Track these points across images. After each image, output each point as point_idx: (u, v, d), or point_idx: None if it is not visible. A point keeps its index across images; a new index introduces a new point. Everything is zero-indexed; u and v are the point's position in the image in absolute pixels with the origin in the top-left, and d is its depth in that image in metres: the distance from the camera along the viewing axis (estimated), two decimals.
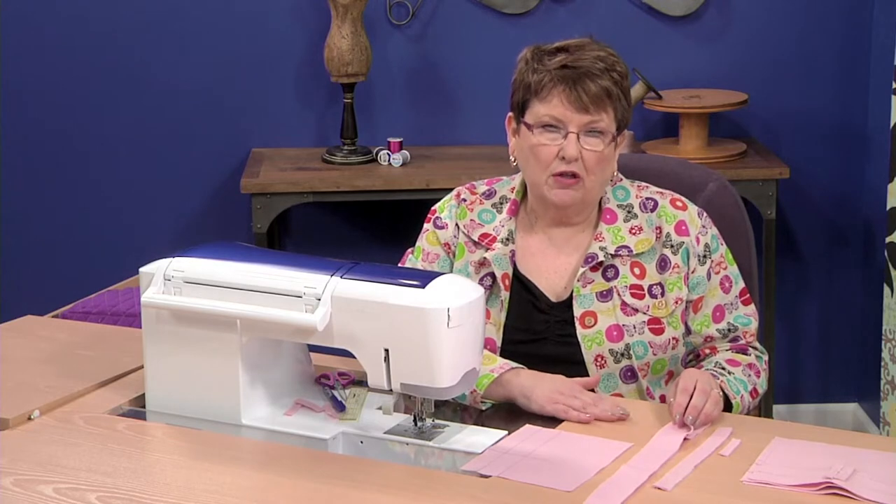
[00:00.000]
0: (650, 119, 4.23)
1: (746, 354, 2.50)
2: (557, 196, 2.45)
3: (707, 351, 2.51)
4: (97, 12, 4.19)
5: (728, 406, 2.37)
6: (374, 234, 4.32)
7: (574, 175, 2.43)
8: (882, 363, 3.84)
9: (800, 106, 4.23)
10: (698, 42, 4.20)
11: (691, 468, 2.09)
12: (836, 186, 4.28)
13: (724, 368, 2.45)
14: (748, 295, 2.54)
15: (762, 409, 3.68)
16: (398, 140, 4.08)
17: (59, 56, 4.22)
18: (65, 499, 2.02)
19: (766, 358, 2.53)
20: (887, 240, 3.77)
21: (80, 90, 4.24)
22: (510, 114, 2.51)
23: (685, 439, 2.18)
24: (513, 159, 2.53)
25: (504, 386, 2.36)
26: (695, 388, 2.26)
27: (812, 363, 4.42)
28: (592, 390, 2.41)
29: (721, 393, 2.34)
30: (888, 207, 3.76)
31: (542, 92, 2.43)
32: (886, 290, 3.79)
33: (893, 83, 3.75)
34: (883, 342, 3.83)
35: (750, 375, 2.46)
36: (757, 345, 2.54)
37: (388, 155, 4.07)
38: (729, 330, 2.51)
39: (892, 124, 3.76)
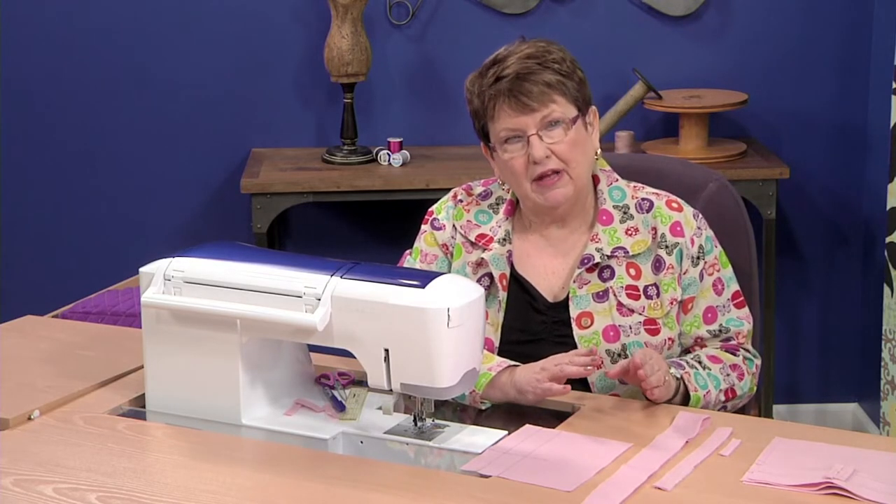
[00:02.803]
0: (650, 119, 4.23)
1: (735, 355, 2.50)
2: (548, 198, 2.46)
3: (696, 349, 2.51)
4: (97, 12, 4.19)
5: (687, 398, 2.39)
6: (374, 234, 4.32)
7: (555, 171, 2.43)
8: (882, 363, 3.84)
9: (800, 106, 4.23)
10: (698, 42, 4.20)
11: (691, 468, 2.09)
12: (836, 186, 4.28)
13: (700, 362, 2.45)
14: (742, 298, 2.54)
15: (762, 409, 3.68)
16: (398, 140, 4.08)
17: (58, 56, 4.22)
18: (65, 499, 2.02)
19: (757, 362, 2.52)
20: (887, 240, 3.77)
21: (80, 90, 4.24)
22: (482, 144, 2.52)
23: (686, 441, 2.18)
24: (501, 182, 2.55)
25: (500, 388, 2.36)
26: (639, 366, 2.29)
27: (812, 363, 4.42)
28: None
29: (678, 382, 2.36)
30: (888, 207, 3.76)
31: (489, 111, 2.45)
32: (886, 290, 3.79)
33: (893, 83, 3.75)
34: (883, 342, 3.83)
35: (729, 375, 2.45)
36: (749, 348, 2.53)
37: (388, 155, 4.07)
38: (720, 331, 2.50)
39: (892, 124, 3.76)
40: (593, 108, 2.50)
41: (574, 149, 2.44)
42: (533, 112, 2.42)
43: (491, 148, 2.49)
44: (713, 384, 2.42)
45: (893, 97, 3.75)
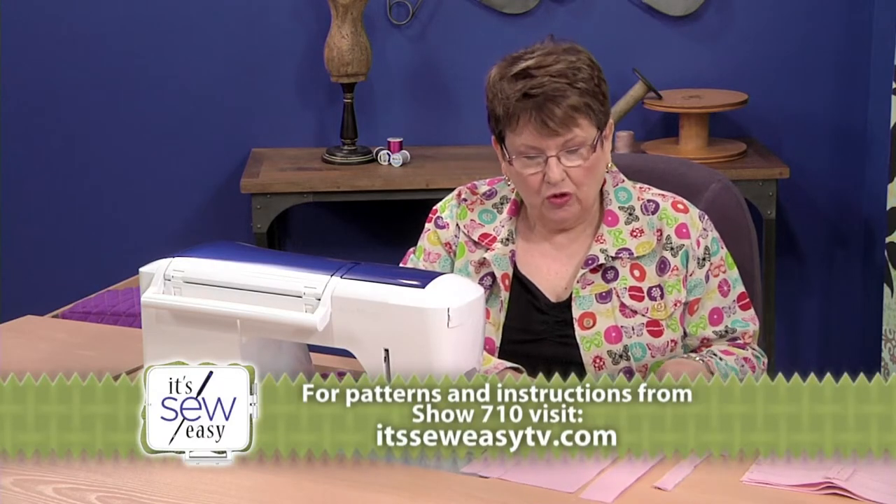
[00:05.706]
0: (650, 119, 4.23)
1: (744, 350, 2.50)
2: (556, 216, 2.46)
3: (703, 350, 2.51)
4: (97, 12, 4.19)
5: None
6: (374, 234, 4.32)
7: (564, 193, 2.43)
8: (882, 363, 3.84)
9: (800, 106, 4.23)
10: (698, 42, 4.20)
11: (691, 468, 2.09)
12: (836, 186, 4.28)
13: (715, 354, 2.46)
14: (748, 300, 2.54)
15: None
16: (398, 140, 4.09)
17: (59, 56, 4.22)
18: (65, 499, 2.02)
19: (764, 360, 2.53)
20: (887, 240, 3.77)
21: (80, 90, 4.24)
22: (493, 137, 2.50)
23: None
24: (506, 179, 2.54)
25: None
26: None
27: (812, 363, 4.42)
28: None
29: (703, 364, 2.38)
30: (888, 207, 3.76)
31: (512, 123, 2.41)
32: (886, 290, 3.79)
33: (893, 83, 3.75)
34: (883, 342, 3.83)
35: (743, 366, 2.46)
36: (756, 347, 2.54)
37: (388, 155, 4.07)
38: (726, 332, 2.50)
39: (892, 124, 3.76)
40: (611, 121, 2.48)
41: (589, 173, 2.43)
42: (556, 136, 2.39)
43: (504, 150, 2.47)
44: (734, 374, 2.42)
45: (893, 97, 3.75)
